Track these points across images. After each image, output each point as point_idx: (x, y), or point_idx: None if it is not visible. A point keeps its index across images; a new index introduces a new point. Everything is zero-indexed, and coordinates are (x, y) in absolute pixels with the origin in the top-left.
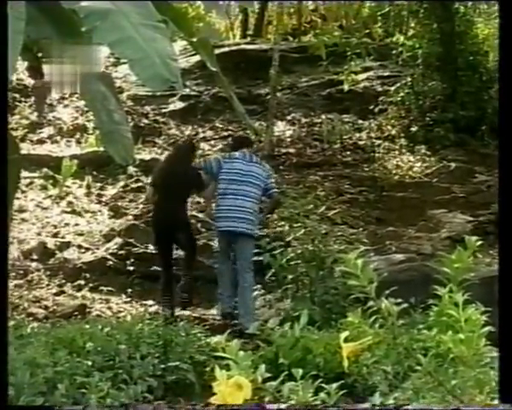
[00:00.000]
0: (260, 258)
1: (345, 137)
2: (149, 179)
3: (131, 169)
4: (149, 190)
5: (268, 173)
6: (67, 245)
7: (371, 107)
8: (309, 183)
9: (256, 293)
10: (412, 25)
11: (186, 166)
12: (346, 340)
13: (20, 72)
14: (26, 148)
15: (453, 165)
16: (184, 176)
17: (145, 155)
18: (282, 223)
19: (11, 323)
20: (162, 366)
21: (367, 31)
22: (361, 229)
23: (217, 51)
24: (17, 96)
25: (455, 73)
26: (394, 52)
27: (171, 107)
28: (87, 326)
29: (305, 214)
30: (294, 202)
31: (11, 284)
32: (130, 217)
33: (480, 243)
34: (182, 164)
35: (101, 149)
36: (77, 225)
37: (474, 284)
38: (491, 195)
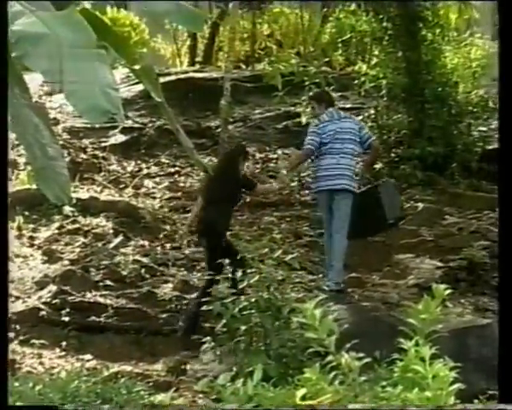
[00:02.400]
0: (210, 307)
1: (303, 174)
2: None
3: (67, 209)
4: (198, 202)
5: (360, 126)
6: None
7: None
8: (264, 224)
9: (205, 346)
10: (376, 53)
11: (234, 170)
12: (304, 398)
13: None
14: None
15: (421, 205)
16: (232, 180)
17: (83, 193)
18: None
19: None
20: None
21: (326, 59)
22: (321, 275)
23: (162, 80)
24: None
25: (422, 105)
26: (356, 82)
27: (112, 140)
28: (16, 384)
29: (260, 259)
30: (248, 246)
31: None
32: (66, 262)
33: (449, 291)
34: (229, 169)
35: (34, 186)
36: None
37: (443, 337)
38: (462, 238)
